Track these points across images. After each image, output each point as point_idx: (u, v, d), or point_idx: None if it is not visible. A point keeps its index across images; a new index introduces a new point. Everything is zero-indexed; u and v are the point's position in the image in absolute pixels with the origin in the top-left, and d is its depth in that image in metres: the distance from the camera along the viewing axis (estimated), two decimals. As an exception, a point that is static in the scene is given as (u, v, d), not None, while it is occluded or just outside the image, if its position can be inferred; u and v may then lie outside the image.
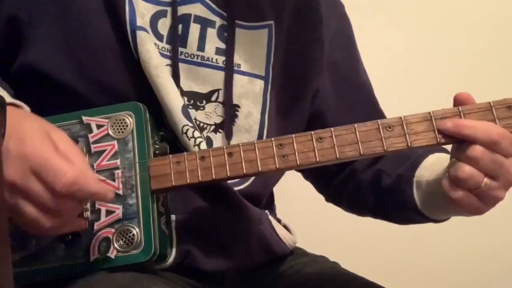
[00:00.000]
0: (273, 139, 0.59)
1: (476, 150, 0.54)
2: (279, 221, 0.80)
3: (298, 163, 0.58)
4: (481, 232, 1.45)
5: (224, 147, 0.60)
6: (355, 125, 0.58)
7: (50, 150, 0.51)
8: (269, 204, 0.83)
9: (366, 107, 0.84)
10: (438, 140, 0.56)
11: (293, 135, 0.59)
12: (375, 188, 0.78)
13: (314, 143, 0.58)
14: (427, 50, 1.53)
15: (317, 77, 0.79)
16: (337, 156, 0.58)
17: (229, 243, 0.70)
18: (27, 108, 0.59)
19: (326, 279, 0.75)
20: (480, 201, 0.57)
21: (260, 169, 0.58)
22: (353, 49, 0.86)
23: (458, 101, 0.58)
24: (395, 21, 1.55)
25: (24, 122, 0.53)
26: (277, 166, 0.58)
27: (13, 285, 0.36)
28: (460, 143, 0.56)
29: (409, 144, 0.57)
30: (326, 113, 0.81)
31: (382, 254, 1.38)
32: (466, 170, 0.55)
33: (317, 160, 0.58)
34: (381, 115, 0.84)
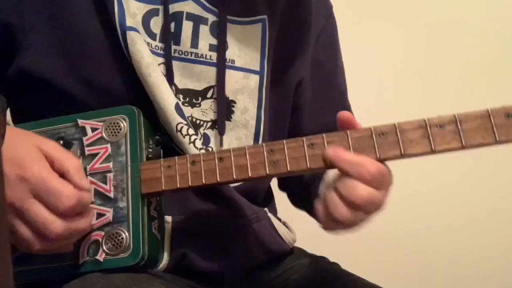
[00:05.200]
0: (264, 144, 0.58)
1: (360, 198, 0.54)
2: (279, 219, 0.80)
3: (289, 169, 0.57)
4: (483, 235, 1.43)
5: (215, 152, 0.59)
6: (348, 131, 0.57)
7: (48, 170, 0.53)
8: (268, 201, 0.82)
9: (339, 109, 0.85)
10: (433, 148, 0.55)
11: (284, 141, 0.58)
12: (300, 179, 0.81)
13: (306, 149, 0.57)
14: (425, 51, 1.51)
15: (302, 68, 0.79)
16: (329, 163, 0.56)
17: (226, 242, 0.70)
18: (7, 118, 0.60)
19: (326, 280, 0.75)
20: (348, 227, 0.57)
21: (250, 174, 0.58)
22: (335, 51, 0.87)
23: (340, 121, 0.58)
24: (392, 21, 1.53)
25: (14, 141, 0.54)
26: (267, 172, 0.57)
27: (13, 285, 0.36)
28: (344, 177, 0.55)
29: (402, 152, 0.55)
30: (302, 108, 0.82)
31: (382, 255, 1.38)
32: (344, 213, 0.54)
33: (308, 166, 0.57)
34: None
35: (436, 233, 1.42)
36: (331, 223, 0.57)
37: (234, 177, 0.58)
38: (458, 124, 0.55)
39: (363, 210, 0.55)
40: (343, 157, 0.55)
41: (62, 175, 0.54)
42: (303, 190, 0.79)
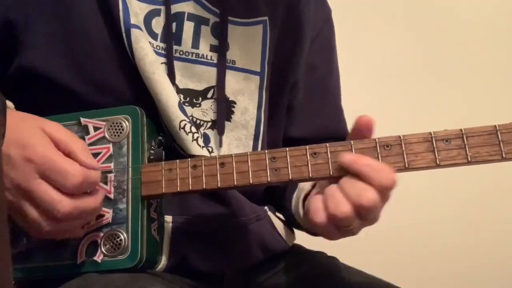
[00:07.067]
0: (266, 151, 0.58)
1: (367, 201, 0.52)
2: (278, 217, 0.80)
3: (291, 177, 0.56)
4: (481, 227, 1.43)
5: (217, 157, 0.59)
6: (352, 142, 0.56)
7: (53, 150, 0.53)
8: (268, 199, 0.82)
9: (331, 113, 0.85)
10: (438, 162, 0.54)
11: (287, 149, 0.57)
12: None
13: (308, 158, 0.56)
14: (425, 53, 1.50)
15: (297, 71, 0.79)
16: (331, 172, 0.56)
17: (226, 242, 0.70)
18: (10, 105, 0.60)
19: (325, 274, 0.75)
20: (337, 230, 0.55)
21: (251, 181, 0.57)
22: (331, 55, 0.87)
23: (357, 125, 0.56)
24: (392, 23, 1.52)
25: (18, 124, 0.54)
26: (269, 180, 0.57)
27: (12, 284, 0.36)
28: (354, 178, 0.53)
29: (406, 165, 0.54)
30: (295, 110, 0.82)
31: (380, 248, 1.38)
32: (346, 211, 0.52)
33: (310, 175, 0.56)
34: (344, 124, 0.86)
35: (434, 229, 1.42)
36: (321, 217, 0.55)
37: (235, 183, 0.57)
38: (464, 139, 0.54)
39: (365, 215, 0.54)
40: (362, 160, 0.54)
41: (68, 155, 0.54)
42: (279, 195, 0.79)
